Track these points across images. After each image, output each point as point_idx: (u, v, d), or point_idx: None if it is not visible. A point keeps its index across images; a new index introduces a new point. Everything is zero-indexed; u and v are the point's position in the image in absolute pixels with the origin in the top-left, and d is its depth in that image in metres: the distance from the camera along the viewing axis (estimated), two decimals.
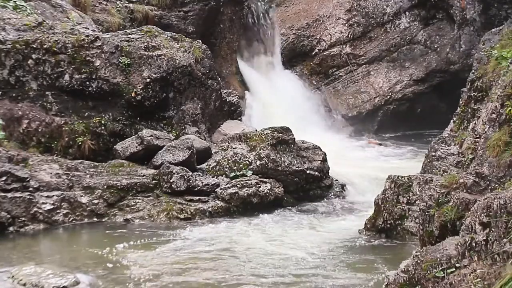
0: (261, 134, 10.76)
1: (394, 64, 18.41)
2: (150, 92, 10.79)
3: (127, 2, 14.61)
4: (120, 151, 10.08)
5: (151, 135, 10.11)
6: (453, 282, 4.28)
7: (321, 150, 11.11)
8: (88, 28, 11.72)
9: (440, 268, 4.49)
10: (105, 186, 9.28)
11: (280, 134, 10.75)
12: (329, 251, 7.66)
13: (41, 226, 8.60)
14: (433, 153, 8.69)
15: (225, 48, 16.95)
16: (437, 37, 18.15)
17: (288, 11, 18.52)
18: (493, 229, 4.26)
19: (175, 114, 11.22)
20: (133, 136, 10.31)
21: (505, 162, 6.04)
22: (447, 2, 17.67)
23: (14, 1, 10.86)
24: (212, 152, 10.49)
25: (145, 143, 10.03)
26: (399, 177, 8.28)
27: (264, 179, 10.06)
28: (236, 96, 13.80)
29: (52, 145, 10.08)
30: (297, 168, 10.56)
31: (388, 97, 18.19)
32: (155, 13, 14.96)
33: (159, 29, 11.94)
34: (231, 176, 10.01)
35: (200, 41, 12.51)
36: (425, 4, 18.17)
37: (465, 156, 7.85)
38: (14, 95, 10.13)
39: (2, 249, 7.65)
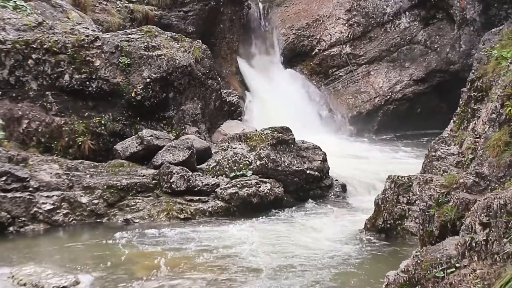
0: (261, 134, 10.76)
1: (394, 64, 18.41)
2: (150, 92, 10.79)
3: (127, 2, 14.61)
4: (120, 151, 10.08)
5: (151, 135, 10.11)
6: (453, 282, 4.28)
7: (321, 150, 11.11)
8: (88, 28, 11.72)
9: (440, 268, 4.50)
10: (105, 186, 9.28)
11: (280, 134, 10.76)
12: (329, 251, 7.66)
13: (41, 226, 8.60)
14: (433, 153, 8.68)
15: (225, 48, 16.96)
16: (437, 37, 18.14)
17: (288, 11, 18.53)
18: (493, 229, 4.26)
19: (175, 114, 11.22)
20: (133, 136, 10.31)
21: (505, 162, 6.03)
22: (447, 2, 17.66)
23: (14, 1, 10.85)
24: (212, 152, 10.49)
25: (145, 143, 10.03)
26: (399, 177, 8.28)
27: (264, 179, 10.06)
28: (236, 96, 13.80)
29: (52, 145, 10.09)
30: (297, 168, 10.56)
31: (388, 97, 18.19)
32: (155, 13, 14.97)
33: (159, 29, 11.94)
34: (231, 176, 10.01)
35: (200, 41, 12.51)
36: (425, 4, 18.17)
37: (465, 156, 7.84)
38: (14, 95, 10.14)
39: (2, 249, 7.65)
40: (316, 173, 10.74)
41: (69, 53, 10.41)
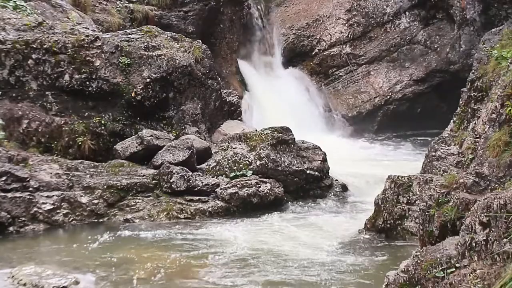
0: (261, 134, 10.76)
1: (394, 64, 18.41)
2: (150, 92, 10.79)
3: (127, 2, 14.62)
4: (120, 151, 10.08)
5: (151, 135, 10.11)
6: (453, 282, 4.28)
7: (321, 150, 11.11)
8: (88, 28, 11.72)
9: (440, 268, 4.50)
10: (105, 186, 9.28)
11: (280, 134, 10.76)
12: (328, 251, 7.66)
13: (41, 226, 8.60)
14: (433, 153, 8.69)
15: (225, 48, 16.95)
16: (437, 37, 18.14)
17: (288, 11, 18.53)
18: (493, 229, 4.26)
19: (175, 114, 11.22)
20: (133, 136, 10.31)
21: (505, 162, 6.03)
22: (447, 2, 17.66)
23: (14, 1, 10.86)
24: (212, 152, 10.49)
25: (145, 143, 10.03)
26: (399, 177, 8.27)
27: (264, 179, 10.06)
28: (236, 96, 13.80)
29: (52, 145, 10.08)
30: (297, 168, 10.56)
31: (388, 97, 18.19)
32: (155, 13, 14.96)
33: (159, 29, 11.95)
34: (231, 176, 10.01)
35: (200, 41, 12.51)
36: (425, 4, 18.17)
37: (465, 156, 7.84)
38: (14, 95, 10.14)
39: (2, 249, 7.65)
40: (316, 173, 10.74)
41: (69, 53, 10.41)
